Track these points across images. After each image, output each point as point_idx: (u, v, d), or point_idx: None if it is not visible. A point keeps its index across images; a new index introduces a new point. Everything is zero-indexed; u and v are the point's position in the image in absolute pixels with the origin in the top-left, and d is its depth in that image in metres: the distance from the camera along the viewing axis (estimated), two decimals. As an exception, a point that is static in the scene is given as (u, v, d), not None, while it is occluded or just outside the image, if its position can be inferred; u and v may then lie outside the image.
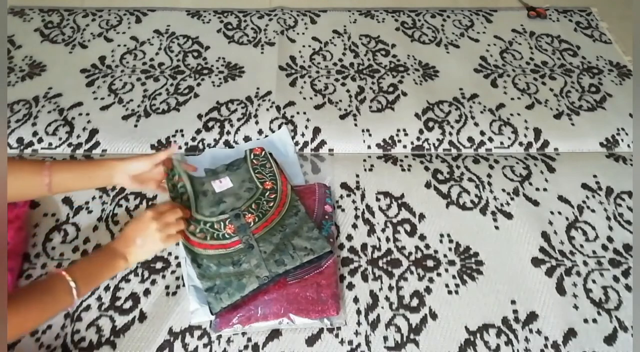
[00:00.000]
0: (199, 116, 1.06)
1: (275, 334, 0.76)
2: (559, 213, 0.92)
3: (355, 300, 0.80)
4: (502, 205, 0.93)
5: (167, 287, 0.81)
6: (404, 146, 1.03)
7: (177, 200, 0.80)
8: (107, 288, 0.80)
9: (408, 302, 0.80)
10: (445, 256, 0.86)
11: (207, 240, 0.77)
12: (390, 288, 0.82)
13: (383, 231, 0.89)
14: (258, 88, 1.13)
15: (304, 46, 1.24)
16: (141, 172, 0.76)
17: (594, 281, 0.83)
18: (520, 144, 1.04)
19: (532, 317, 0.79)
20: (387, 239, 0.88)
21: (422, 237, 0.88)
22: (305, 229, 0.81)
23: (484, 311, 0.80)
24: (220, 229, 0.78)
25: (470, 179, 0.97)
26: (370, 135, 1.04)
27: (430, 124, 1.06)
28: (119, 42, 1.23)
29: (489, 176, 0.98)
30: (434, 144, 1.03)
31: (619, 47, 1.26)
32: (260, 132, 1.04)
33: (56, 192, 0.70)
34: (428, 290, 0.82)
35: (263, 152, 0.90)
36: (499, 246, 0.87)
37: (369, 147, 1.03)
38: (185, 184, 0.81)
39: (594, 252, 0.87)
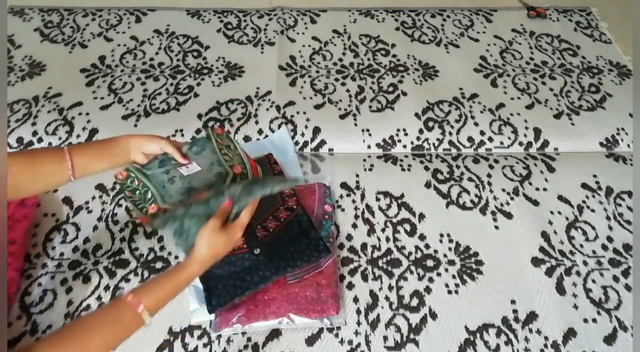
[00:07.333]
0: (199, 116, 1.06)
1: (275, 333, 0.76)
2: (559, 213, 0.92)
3: (355, 300, 0.80)
4: (502, 205, 0.93)
5: (167, 287, 0.81)
6: (404, 146, 1.03)
7: (140, 204, 0.72)
8: (107, 288, 0.80)
9: (408, 302, 0.80)
10: (445, 255, 0.86)
11: None
12: (390, 288, 0.82)
13: (383, 230, 0.89)
14: (258, 88, 1.13)
15: (304, 46, 1.24)
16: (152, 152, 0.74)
17: (593, 281, 0.83)
18: (520, 143, 1.04)
19: (532, 317, 0.79)
20: (387, 239, 0.88)
21: (422, 237, 0.88)
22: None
23: (483, 311, 0.80)
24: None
25: (470, 179, 0.97)
26: (370, 135, 1.04)
27: (430, 123, 1.06)
28: (119, 42, 1.23)
29: (489, 175, 0.98)
30: (433, 144, 1.03)
31: (618, 47, 1.26)
32: (260, 131, 1.04)
33: (80, 177, 0.67)
34: (428, 290, 0.82)
35: (225, 133, 0.83)
36: (499, 245, 0.87)
37: (368, 147, 1.03)
38: (145, 181, 0.73)
39: (593, 252, 0.87)
